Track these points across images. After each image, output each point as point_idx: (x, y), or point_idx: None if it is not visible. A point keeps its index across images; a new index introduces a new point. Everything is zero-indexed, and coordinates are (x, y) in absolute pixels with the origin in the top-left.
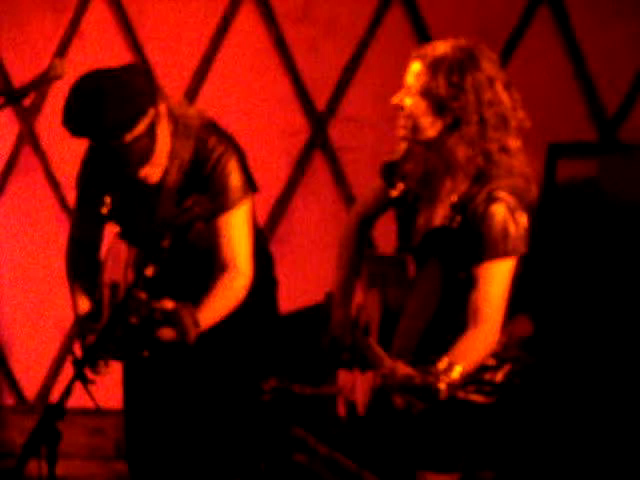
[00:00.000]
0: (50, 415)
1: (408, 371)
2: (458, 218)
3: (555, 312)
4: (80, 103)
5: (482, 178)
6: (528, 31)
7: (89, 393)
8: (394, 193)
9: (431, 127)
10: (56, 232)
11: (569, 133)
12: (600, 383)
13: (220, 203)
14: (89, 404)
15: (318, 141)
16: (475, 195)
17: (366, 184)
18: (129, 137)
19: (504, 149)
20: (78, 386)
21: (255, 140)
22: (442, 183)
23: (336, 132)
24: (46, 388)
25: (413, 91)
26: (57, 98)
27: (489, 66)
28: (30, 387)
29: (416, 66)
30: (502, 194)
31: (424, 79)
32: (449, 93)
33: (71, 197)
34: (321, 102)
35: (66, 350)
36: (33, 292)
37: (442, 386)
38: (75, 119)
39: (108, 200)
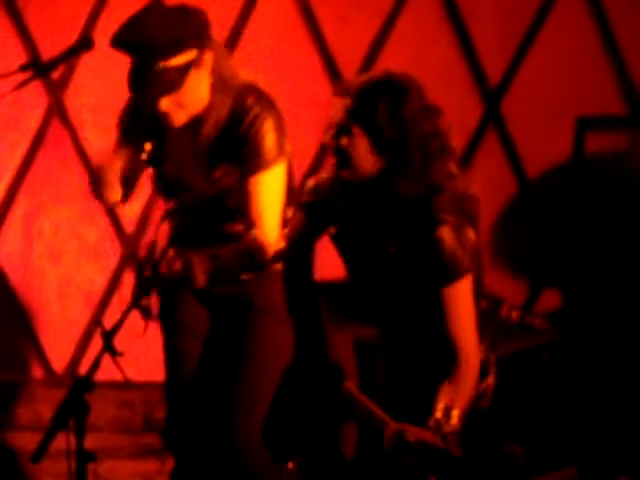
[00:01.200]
0: (79, 388)
1: (419, 433)
2: (399, 246)
3: (583, 285)
4: (136, 16)
5: (422, 203)
6: (558, 4)
7: (118, 366)
8: (331, 231)
9: (371, 166)
10: (86, 205)
11: (598, 107)
12: (630, 356)
13: (253, 163)
14: (118, 377)
15: None
16: (415, 220)
17: None
18: (162, 64)
19: (449, 176)
20: (107, 359)
21: (283, 113)
22: (377, 214)
23: None
24: (75, 361)
25: (347, 129)
26: (86, 71)
27: (422, 95)
28: (59, 360)
29: (348, 102)
30: (445, 215)
31: (360, 116)
32: (389, 128)
33: None
34: (350, 75)
35: (95, 323)
36: (62, 265)
37: (457, 452)
38: (124, 28)
39: (148, 147)
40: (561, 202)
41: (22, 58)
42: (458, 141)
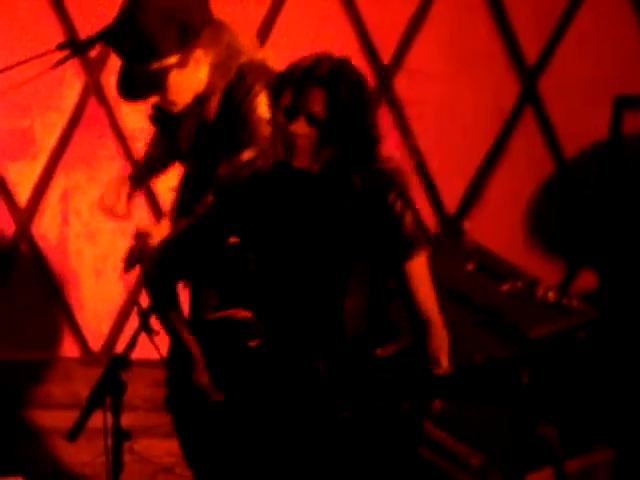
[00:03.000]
0: (115, 366)
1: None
2: (354, 233)
3: (620, 266)
4: (120, 17)
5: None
6: None
7: (154, 344)
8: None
9: (324, 154)
10: None
11: (636, 85)
12: None
13: (243, 138)
14: (154, 355)
15: (384, 94)
16: (368, 202)
17: (431, 137)
18: (139, 69)
19: (385, 158)
20: (143, 337)
21: None
22: (327, 203)
23: (401, 85)
24: (111, 339)
25: (318, 120)
26: None
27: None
28: (95, 338)
29: (317, 92)
30: (393, 193)
31: (330, 105)
32: (352, 115)
33: (137, 148)
34: (387, 55)
35: (131, 301)
36: (99, 244)
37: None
38: (108, 28)
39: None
40: (598, 181)
41: (59, 37)
42: (495, 120)
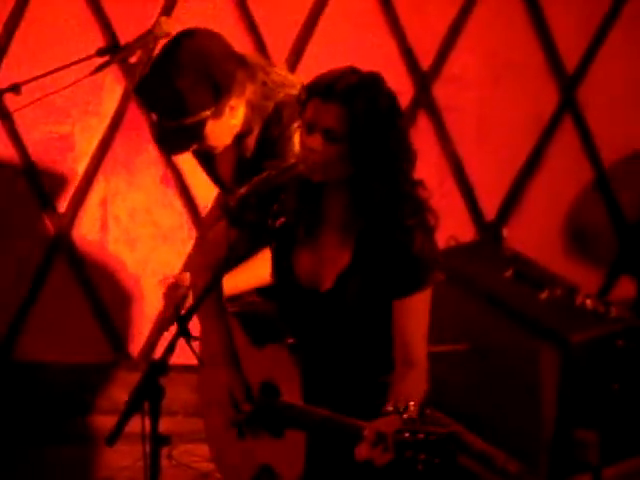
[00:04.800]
0: (153, 372)
1: (388, 423)
2: (366, 253)
3: None
4: (152, 73)
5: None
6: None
7: (192, 349)
8: (275, 226)
9: (342, 170)
10: (161, 189)
11: None
12: None
13: None
14: (192, 361)
15: (423, 101)
16: (381, 227)
17: (470, 144)
18: (174, 124)
19: (411, 184)
20: (182, 343)
21: None
22: (334, 218)
23: (440, 92)
24: (150, 345)
25: (334, 135)
26: None
27: (391, 93)
28: (134, 344)
29: (333, 108)
30: (413, 220)
31: (349, 121)
32: (368, 133)
33: (176, 155)
34: (426, 62)
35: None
36: (138, 250)
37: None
38: (141, 83)
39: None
40: (637, 189)
41: (100, 42)
42: (534, 128)
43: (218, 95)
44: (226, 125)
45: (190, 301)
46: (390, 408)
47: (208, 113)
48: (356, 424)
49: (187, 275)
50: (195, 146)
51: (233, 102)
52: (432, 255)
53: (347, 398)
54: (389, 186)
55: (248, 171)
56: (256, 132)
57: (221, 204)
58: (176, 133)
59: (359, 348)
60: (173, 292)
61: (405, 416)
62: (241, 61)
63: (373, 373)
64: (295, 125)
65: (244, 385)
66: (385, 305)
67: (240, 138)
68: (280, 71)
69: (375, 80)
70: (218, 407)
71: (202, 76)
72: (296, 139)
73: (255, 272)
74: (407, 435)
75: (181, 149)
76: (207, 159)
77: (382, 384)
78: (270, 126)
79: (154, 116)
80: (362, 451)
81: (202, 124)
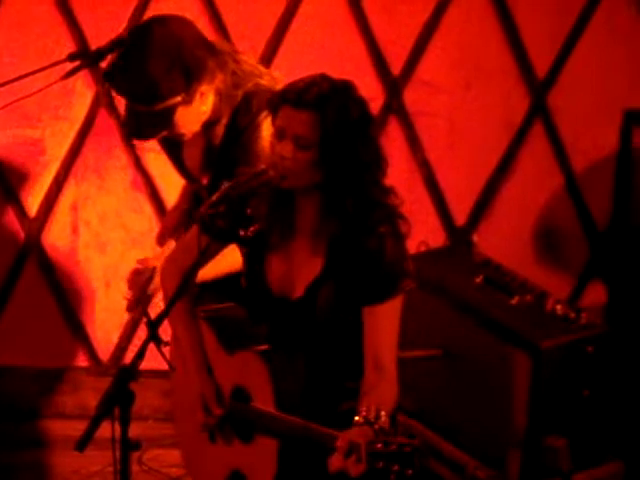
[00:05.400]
0: (124, 377)
1: (360, 434)
2: (337, 261)
3: (630, 280)
4: (122, 58)
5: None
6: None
7: (163, 355)
8: (248, 234)
9: (313, 177)
10: (132, 194)
11: None
12: None
13: (247, 167)
14: (163, 366)
15: (393, 105)
16: (352, 234)
17: (440, 150)
18: (143, 109)
19: (382, 191)
20: (152, 348)
21: None
22: (306, 224)
23: (411, 97)
24: (120, 350)
25: (304, 143)
26: None
27: (363, 101)
28: (104, 349)
29: (305, 116)
30: (384, 228)
31: (318, 129)
32: (339, 140)
33: (146, 159)
34: (396, 67)
35: (141, 312)
36: (108, 254)
37: (412, 442)
38: (110, 68)
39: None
40: (607, 195)
41: (70, 47)
42: (504, 133)
43: (189, 81)
44: (196, 112)
45: (155, 283)
46: (361, 419)
47: (179, 99)
48: (328, 434)
49: (150, 259)
50: (164, 133)
51: (203, 88)
52: (403, 263)
53: (314, 403)
54: (360, 193)
55: (216, 160)
56: (225, 121)
57: (185, 195)
58: (146, 119)
59: (328, 355)
60: (137, 277)
61: (377, 427)
62: (211, 49)
63: (341, 379)
64: (263, 114)
65: (215, 390)
66: (355, 312)
67: (208, 126)
68: (249, 60)
69: (346, 88)
70: (190, 412)
71: (174, 61)
72: (264, 128)
73: (226, 258)
74: (379, 446)
75: (150, 135)
76: (174, 147)
77: (349, 390)
78: (238, 115)
79: (124, 101)
80: (335, 462)
81: (173, 110)
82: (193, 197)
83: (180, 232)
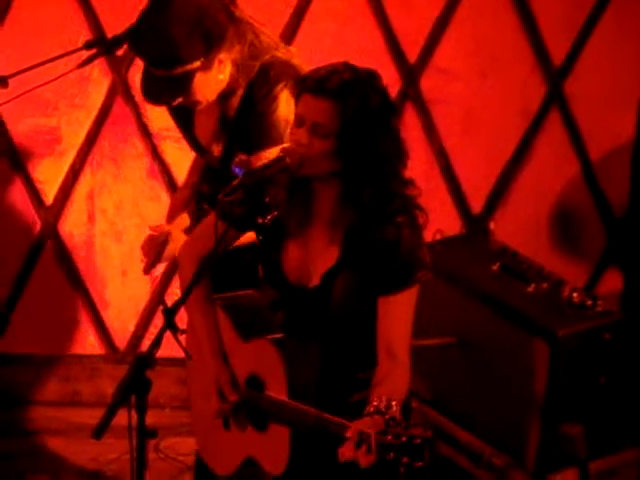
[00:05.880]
0: (140, 364)
1: (370, 424)
2: (354, 250)
3: None
4: (142, 21)
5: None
6: None
7: (179, 342)
8: (266, 221)
9: (330, 166)
10: (148, 182)
11: None
12: None
13: (259, 139)
14: (179, 354)
15: (410, 93)
16: (369, 224)
17: (457, 137)
18: (162, 73)
19: (401, 182)
20: (168, 336)
21: None
22: (323, 213)
23: (427, 85)
24: (137, 338)
25: (322, 131)
26: None
27: (385, 91)
28: (121, 337)
29: (324, 104)
30: (402, 218)
31: (338, 118)
32: (358, 131)
33: (163, 147)
34: (413, 54)
35: (157, 300)
36: (124, 242)
37: (424, 433)
38: (129, 33)
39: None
40: (624, 182)
41: (87, 35)
42: (521, 121)
43: (209, 47)
44: (213, 80)
45: (168, 249)
46: (372, 408)
47: (198, 64)
48: (340, 423)
49: (164, 225)
50: (181, 98)
51: (222, 56)
52: (420, 253)
53: (327, 392)
54: (378, 184)
55: (230, 130)
56: (240, 92)
57: (194, 170)
58: (164, 83)
59: (342, 344)
60: (151, 242)
61: (387, 416)
62: (232, 17)
63: (354, 369)
64: (281, 86)
65: (230, 376)
66: (370, 302)
67: (224, 97)
68: (267, 32)
69: (370, 78)
70: (205, 399)
71: (195, 27)
72: (281, 99)
73: None
74: (390, 437)
75: (167, 100)
76: (186, 118)
77: (361, 380)
78: (255, 86)
79: (143, 65)
80: (345, 452)
81: (191, 75)
82: (202, 170)
83: (191, 206)
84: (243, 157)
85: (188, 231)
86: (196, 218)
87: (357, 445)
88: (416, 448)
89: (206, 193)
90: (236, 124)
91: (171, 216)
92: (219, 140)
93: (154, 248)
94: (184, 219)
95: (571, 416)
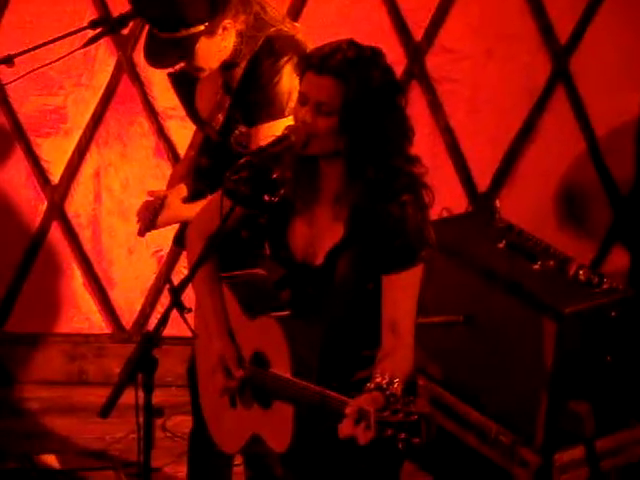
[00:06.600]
0: (147, 343)
1: (369, 401)
2: (359, 228)
3: None
4: None
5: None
6: None
7: (185, 321)
8: (273, 198)
9: (335, 144)
10: (154, 161)
11: None
12: None
13: (263, 111)
14: (186, 332)
15: (415, 72)
16: (375, 202)
17: (462, 116)
18: (167, 36)
19: (406, 159)
20: (175, 314)
21: None
22: (329, 191)
23: (433, 63)
24: (143, 316)
25: (326, 109)
26: None
27: (389, 69)
28: (128, 315)
29: (327, 82)
30: (407, 196)
31: (341, 96)
32: (361, 108)
33: (168, 126)
34: (418, 33)
35: (163, 278)
36: (131, 221)
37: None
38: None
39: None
40: (630, 160)
41: (92, 14)
42: (526, 99)
43: (214, 11)
44: (217, 46)
45: (164, 215)
46: (373, 384)
47: (202, 28)
48: (340, 400)
49: (161, 191)
50: (182, 63)
51: (226, 23)
52: (425, 232)
53: (330, 370)
54: (382, 161)
55: (232, 101)
56: (244, 64)
57: (193, 144)
58: (167, 46)
59: (346, 322)
60: (147, 207)
61: (388, 392)
62: None
63: (358, 347)
64: (285, 58)
65: (236, 353)
66: (375, 280)
67: (227, 67)
68: (272, 6)
69: (373, 55)
70: (211, 375)
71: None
72: (285, 72)
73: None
74: (387, 414)
75: (170, 63)
76: (188, 90)
77: (365, 358)
78: (260, 57)
79: (147, 26)
80: (345, 428)
81: (195, 38)
82: (201, 143)
83: (189, 179)
84: (243, 129)
85: (185, 201)
86: (192, 190)
87: (356, 422)
88: (413, 424)
89: (204, 166)
90: (238, 95)
91: (170, 187)
92: (220, 111)
93: (149, 213)
94: (182, 189)
95: (578, 394)
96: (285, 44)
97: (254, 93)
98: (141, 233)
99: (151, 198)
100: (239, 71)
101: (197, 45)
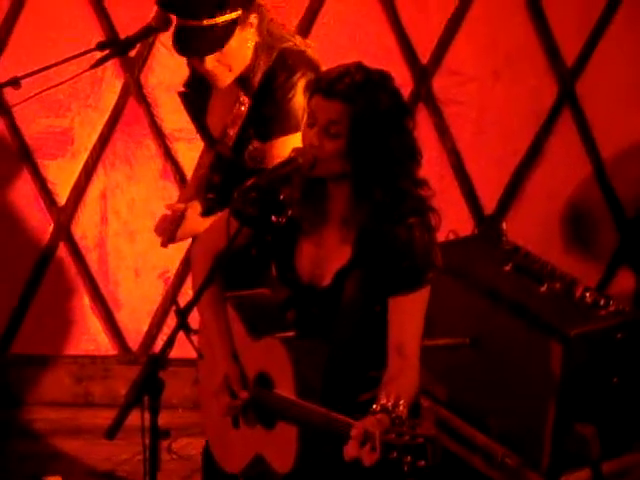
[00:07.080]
0: (153, 365)
1: (387, 425)
2: (366, 250)
3: None
4: None
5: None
6: None
7: (192, 343)
8: (281, 220)
9: (342, 166)
10: (161, 183)
11: None
12: None
13: (276, 125)
14: (192, 354)
15: (422, 94)
16: (382, 224)
17: (469, 138)
18: (207, 21)
19: (413, 182)
20: (181, 336)
21: None
22: (336, 213)
23: (440, 85)
24: (150, 338)
25: (334, 132)
26: (162, 49)
27: (397, 92)
28: (134, 337)
29: (334, 105)
30: (414, 219)
31: (348, 119)
32: (368, 132)
33: (175, 148)
34: (425, 55)
35: (170, 300)
36: (138, 243)
37: (429, 431)
38: None
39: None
40: (636, 183)
41: (99, 36)
42: (533, 121)
43: (247, 2)
44: (244, 45)
45: (184, 227)
46: (378, 407)
47: (239, 13)
48: (345, 422)
49: (179, 204)
50: (217, 52)
51: (252, 19)
52: (432, 254)
53: (335, 391)
54: (389, 184)
55: (246, 115)
56: (259, 76)
57: (202, 163)
58: (204, 34)
59: (352, 344)
60: (165, 220)
61: (393, 415)
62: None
63: (363, 368)
64: (299, 73)
65: (240, 374)
66: (381, 302)
67: (241, 81)
68: (281, 25)
69: (381, 79)
70: (215, 396)
71: None
72: (299, 87)
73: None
74: (392, 436)
75: (204, 51)
76: (198, 105)
77: (371, 379)
78: (274, 71)
79: (182, 20)
80: (350, 450)
81: (231, 28)
82: (212, 160)
83: (200, 196)
84: (257, 145)
85: (202, 216)
86: (206, 207)
87: (361, 444)
88: (419, 447)
89: (217, 183)
90: (253, 109)
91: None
92: (233, 127)
93: (170, 225)
94: (197, 205)
95: (584, 416)
96: (298, 59)
97: (269, 107)
98: (164, 244)
99: (169, 212)
100: (254, 84)
101: (232, 36)
